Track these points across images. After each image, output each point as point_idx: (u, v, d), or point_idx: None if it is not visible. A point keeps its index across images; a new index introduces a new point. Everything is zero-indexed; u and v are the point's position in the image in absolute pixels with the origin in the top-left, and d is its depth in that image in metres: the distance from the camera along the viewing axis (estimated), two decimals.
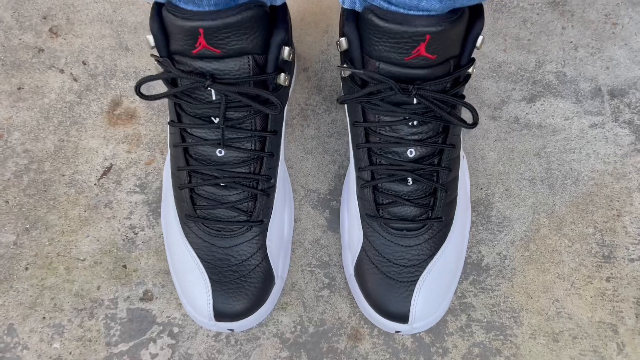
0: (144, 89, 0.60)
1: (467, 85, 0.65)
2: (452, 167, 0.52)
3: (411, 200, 0.50)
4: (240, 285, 0.50)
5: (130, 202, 0.60)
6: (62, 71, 0.66)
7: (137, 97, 0.64)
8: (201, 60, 0.46)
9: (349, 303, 0.56)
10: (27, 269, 0.57)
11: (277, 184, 0.53)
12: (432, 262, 0.51)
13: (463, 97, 0.50)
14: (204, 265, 0.50)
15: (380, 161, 0.50)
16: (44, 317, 0.55)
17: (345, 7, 0.46)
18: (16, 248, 0.58)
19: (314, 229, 0.59)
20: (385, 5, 0.43)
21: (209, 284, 0.50)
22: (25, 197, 0.60)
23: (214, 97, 0.48)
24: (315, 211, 0.59)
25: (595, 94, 0.65)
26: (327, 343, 0.54)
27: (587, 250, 0.58)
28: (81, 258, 0.58)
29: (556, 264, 0.57)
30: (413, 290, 0.50)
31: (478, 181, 0.61)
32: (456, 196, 0.53)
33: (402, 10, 0.43)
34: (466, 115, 0.61)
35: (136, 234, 0.58)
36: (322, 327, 0.55)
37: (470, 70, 0.49)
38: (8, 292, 0.56)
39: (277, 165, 0.53)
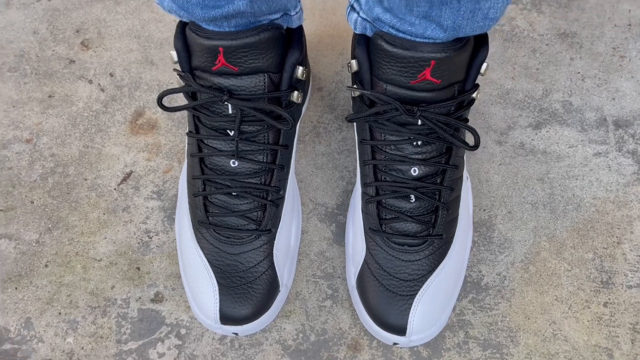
0: (165, 101, 0.63)
1: (474, 110, 0.67)
2: (454, 187, 0.54)
3: (413, 217, 0.53)
4: (247, 291, 0.53)
5: (147, 208, 0.63)
6: (90, 82, 0.70)
7: (158, 109, 0.68)
8: (220, 76, 0.49)
9: (351, 314, 0.58)
10: (46, 266, 0.60)
11: (286, 196, 0.56)
12: (432, 277, 0.53)
13: (466, 120, 0.53)
14: (213, 270, 0.53)
15: (384, 178, 0.53)
16: (60, 313, 0.58)
17: (357, 32, 0.49)
18: (38, 246, 0.61)
19: (320, 242, 0.61)
20: (394, 31, 0.46)
21: (217, 288, 0.53)
22: (49, 198, 0.63)
23: (230, 111, 0.51)
24: (322, 224, 0.62)
25: (600, 124, 0.66)
26: (327, 352, 0.56)
27: (586, 275, 0.59)
28: (98, 258, 0.61)
29: (555, 286, 0.59)
30: (411, 304, 0.52)
31: (481, 203, 0.63)
32: (458, 215, 0.55)
33: (409, 37, 0.46)
34: (470, 138, 0.63)
35: (151, 238, 0.61)
36: (323, 336, 0.57)
37: (474, 95, 0.51)
38: (28, 287, 0.59)
39: (287, 178, 0.56)
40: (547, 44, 0.71)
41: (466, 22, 0.44)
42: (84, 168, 0.65)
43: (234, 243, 0.53)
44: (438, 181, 0.53)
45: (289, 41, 0.51)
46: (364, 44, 0.48)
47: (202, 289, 0.53)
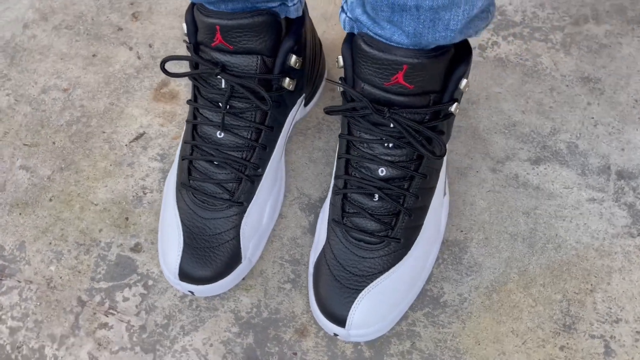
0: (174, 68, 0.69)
1: (475, 135, 0.68)
2: (421, 196, 0.55)
3: (374, 215, 0.54)
4: (208, 254, 0.56)
5: (149, 167, 0.68)
6: (130, 49, 0.77)
7: (182, 82, 0.73)
8: (218, 52, 0.54)
9: (306, 301, 0.60)
10: (50, 200, 0.67)
11: (266, 175, 0.59)
12: (382, 277, 0.54)
13: (442, 132, 0.54)
14: (183, 229, 0.57)
15: (354, 173, 0.55)
16: (50, 243, 0.64)
17: (346, 31, 0.52)
18: (48, 181, 0.68)
19: (295, 228, 0.64)
20: (371, 33, 0.48)
21: (182, 245, 0.56)
22: (69, 142, 0.70)
23: (223, 86, 0.55)
24: (302, 213, 0.65)
25: (602, 171, 0.65)
26: (275, 330, 0.59)
27: (550, 315, 0.58)
28: (95, 202, 0.66)
29: (514, 319, 0.58)
30: (355, 298, 0.53)
31: (460, 223, 0.63)
32: (422, 225, 0.56)
33: (384, 40, 0.48)
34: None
35: (145, 194, 0.66)
36: (275, 315, 0.59)
37: (452, 109, 0.53)
38: (30, 215, 0.66)
39: (269, 159, 0.59)
40: (567, 85, 0.71)
41: (427, 30, 0.46)
42: (105, 122, 0.71)
43: (207, 208, 0.57)
44: (405, 186, 0.54)
45: (288, 30, 0.55)
46: (349, 42, 0.51)
47: (170, 244, 0.57)
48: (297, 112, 0.65)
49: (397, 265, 0.54)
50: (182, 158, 0.58)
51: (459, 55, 0.51)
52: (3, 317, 0.61)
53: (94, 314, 0.60)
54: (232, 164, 0.57)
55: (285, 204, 0.65)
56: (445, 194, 0.60)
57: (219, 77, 0.54)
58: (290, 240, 0.63)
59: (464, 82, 0.52)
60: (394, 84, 0.49)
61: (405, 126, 0.51)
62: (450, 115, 0.53)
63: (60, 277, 0.62)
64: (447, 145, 0.64)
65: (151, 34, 0.78)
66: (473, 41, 0.74)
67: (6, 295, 0.62)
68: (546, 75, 0.72)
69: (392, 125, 0.52)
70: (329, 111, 0.53)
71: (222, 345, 0.58)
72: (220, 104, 0.56)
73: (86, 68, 0.76)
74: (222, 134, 0.57)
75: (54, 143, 0.70)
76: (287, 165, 0.66)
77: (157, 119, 0.71)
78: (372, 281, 0.54)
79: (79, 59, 0.76)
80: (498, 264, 0.61)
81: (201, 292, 0.57)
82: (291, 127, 0.65)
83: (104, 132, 0.71)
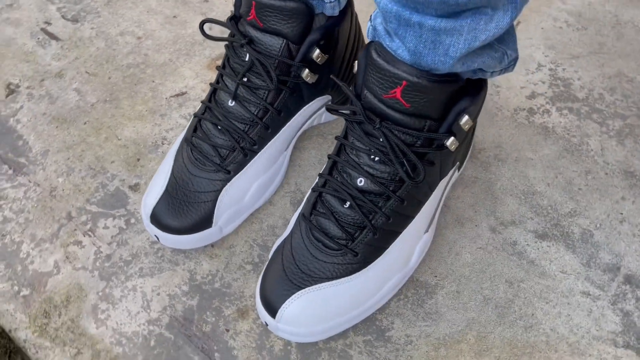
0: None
1: (488, 190, 0.65)
2: (393, 220, 0.54)
3: (339, 221, 0.54)
4: (182, 207, 0.59)
5: (177, 122, 0.72)
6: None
7: None
8: (250, 26, 0.57)
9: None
10: (85, 123, 0.73)
11: (260, 155, 0.61)
12: (327, 284, 0.53)
13: (431, 163, 0.53)
14: (169, 177, 0.60)
15: (335, 176, 0.55)
16: (68, 158, 0.70)
17: (368, 39, 0.53)
18: (90, 108, 0.74)
19: (278, 218, 0.64)
20: (384, 44, 0.49)
21: (163, 191, 0.59)
22: (121, 81, 0.76)
23: (246, 58, 0.58)
24: (290, 206, 0.65)
25: (609, 269, 0.60)
26: (219, 303, 0.59)
27: None
28: (119, 137, 0.71)
29: None
30: (293, 294, 0.53)
31: (437, 268, 0.60)
32: (387, 250, 0.55)
33: (392, 52, 0.48)
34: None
35: (162, 144, 0.70)
36: (226, 289, 0.60)
37: (447, 143, 0.52)
38: (63, 130, 0.72)
39: (269, 141, 0.61)
40: (607, 174, 0.66)
41: (427, 51, 0.45)
42: (158, 74, 0.77)
43: (197, 166, 0.60)
44: (378, 203, 0.53)
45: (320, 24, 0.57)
46: (366, 50, 0.52)
47: (154, 188, 0.60)
48: (317, 113, 0.66)
49: (347, 278, 0.53)
50: (194, 116, 0.62)
51: (467, 90, 0.50)
52: (3, 206, 0.67)
53: (75, 230, 0.65)
54: (232, 132, 0.59)
55: (279, 194, 0.66)
56: (427, 231, 0.58)
57: (244, 48, 0.57)
58: (269, 227, 0.64)
59: (464, 118, 0.50)
60: (391, 98, 0.49)
61: (392, 142, 0.50)
62: (444, 147, 0.52)
63: (63, 190, 0.67)
64: (456, 191, 0.63)
65: (230, 13, 0.83)
66: (522, 100, 0.72)
67: (14, 190, 0.68)
68: (588, 157, 0.68)
69: (381, 140, 0.51)
70: (329, 109, 0.54)
71: (167, 298, 0.60)
72: (239, 74, 0.59)
73: (163, 25, 0.82)
74: (233, 103, 0.59)
75: (109, 78, 0.77)
76: (294, 161, 0.68)
77: (202, 85, 0.76)
78: (316, 283, 0.53)
79: (161, 16, 0.83)
80: (459, 321, 0.57)
81: (165, 240, 0.60)
82: (306, 123, 0.66)
83: (153, 82, 0.76)
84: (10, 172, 0.70)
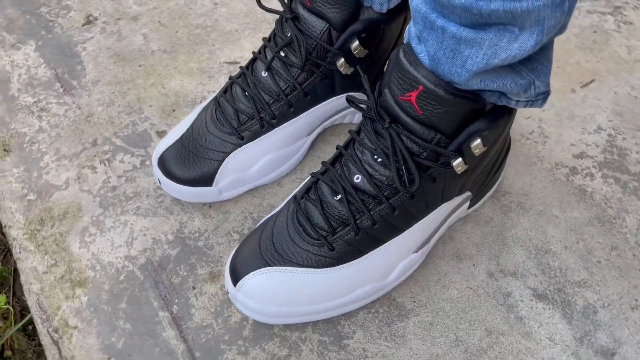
0: None
1: (500, 236, 0.61)
2: (380, 226, 0.52)
3: (325, 211, 0.52)
4: (188, 158, 0.60)
5: (220, 86, 0.74)
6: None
7: None
8: (300, 4, 0.57)
9: None
10: (140, 66, 0.76)
11: (276, 131, 0.61)
12: (296, 269, 0.52)
13: (433, 179, 0.50)
14: (188, 128, 0.61)
15: (337, 167, 0.54)
16: (113, 92, 0.73)
17: (404, 40, 0.51)
18: (149, 53, 0.78)
19: (280, 200, 0.64)
20: (412, 45, 0.48)
21: (177, 139, 0.61)
22: (186, 37, 0.80)
23: (289, 34, 0.58)
24: None
25: (603, 352, 0.54)
26: (196, 261, 0.60)
27: None
28: (164, 86, 0.74)
29: None
30: (259, 268, 0.52)
31: (418, 295, 0.57)
32: (366, 255, 0.53)
33: (418, 56, 0.47)
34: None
35: (201, 102, 0.72)
36: (207, 250, 0.60)
37: (453, 163, 0.49)
38: (119, 67, 0.76)
39: (289, 120, 0.61)
40: (634, 255, 0.60)
41: (446, 59, 0.44)
42: (222, 40, 0.79)
43: (215, 124, 0.61)
44: (369, 205, 0.51)
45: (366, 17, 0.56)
46: (398, 49, 0.51)
47: (171, 135, 0.62)
48: (350, 109, 0.65)
49: (317, 270, 0.52)
50: (229, 78, 0.63)
51: (487, 114, 0.47)
52: (43, 117, 0.71)
53: (94, 156, 0.67)
54: (256, 101, 0.60)
55: (289, 177, 0.65)
56: (417, 251, 0.56)
57: (288, 24, 0.58)
58: (269, 205, 0.64)
59: (476, 141, 0.48)
60: (406, 100, 0.48)
61: (397, 146, 0.49)
62: (449, 166, 0.49)
63: (98, 118, 0.71)
64: (465, 226, 0.60)
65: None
66: (568, 157, 0.68)
67: (58, 106, 0.72)
68: (619, 233, 0.62)
69: (388, 141, 0.50)
70: (348, 99, 0.53)
71: (151, 241, 0.61)
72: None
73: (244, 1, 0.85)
74: (266, 74, 0.60)
75: (176, 32, 0.80)
76: (315, 151, 0.67)
77: None
78: (285, 265, 0.52)
79: None
80: (422, 353, 0.54)
81: (165, 186, 0.61)
82: (336, 117, 0.65)
83: (213, 45, 0.79)
84: (61, 90, 0.74)
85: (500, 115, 0.48)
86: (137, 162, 0.67)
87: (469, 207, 0.61)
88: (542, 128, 0.70)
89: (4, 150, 0.68)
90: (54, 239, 0.61)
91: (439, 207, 0.54)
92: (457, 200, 0.56)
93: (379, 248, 0.53)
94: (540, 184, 0.66)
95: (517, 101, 0.47)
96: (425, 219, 0.54)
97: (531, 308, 0.57)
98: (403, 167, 0.49)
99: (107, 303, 0.57)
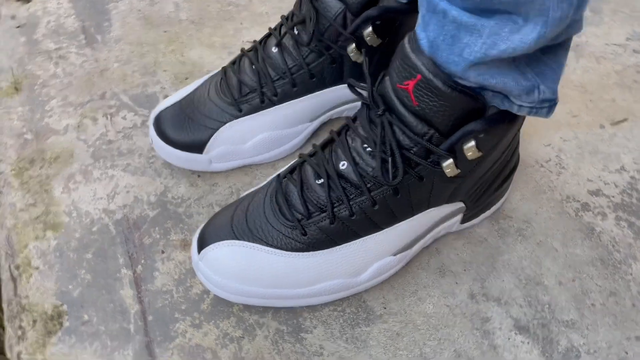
0: None
1: (490, 259, 0.57)
2: (358, 219, 0.49)
3: (304, 194, 0.50)
4: (183, 122, 0.59)
5: None
6: None
7: None
8: None
9: None
10: (164, 32, 0.76)
11: (276, 109, 0.59)
12: (262, 247, 0.50)
13: (420, 178, 0.47)
14: (189, 93, 0.61)
15: (326, 151, 0.51)
16: (133, 52, 0.73)
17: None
18: (177, 21, 0.78)
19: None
20: (417, 32, 0.45)
21: (176, 101, 0.60)
22: (215, 12, 0.79)
23: (304, 11, 0.57)
24: None
25: None
26: (172, 225, 0.58)
27: None
28: (183, 54, 0.74)
29: None
30: (224, 240, 0.50)
31: (391, 302, 0.54)
32: (337, 248, 0.50)
33: (419, 42, 0.44)
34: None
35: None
36: (186, 217, 0.59)
37: (443, 164, 0.46)
38: (146, 30, 0.76)
39: (291, 100, 0.59)
40: (634, 305, 0.55)
41: (445, 45, 0.41)
42: (251, 20, 0.79)
43: (217, 93, 0.59)
44: (350, 194, 0.49)
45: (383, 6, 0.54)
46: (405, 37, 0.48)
47: (173, 97, 0.61)
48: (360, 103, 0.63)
49: (284, 252, 0.49)
50: (241, 50, 0.62)
51: (486, 115, 0.44)
52: (59, 63, 0.71)
53: (99, 108, 0.67)
54: (261, 75, 0.58)
55: (286, 161, 0.63)
56: (395, 255, 0.52)
57: (305, 2, 0.56)
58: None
59: (470, 143, 0.45)
60: (403, 89, 0.45)
61: (387, 135, 0.46)
62: (439, 166, 0.46)
63: (112, 73, 0.71)
64: (456, 242, 0.57)
65: None
66: (582, 192, 0.63)
67: (76, 56, 0.73)
68: (621, 279, 0.57)
69: (380, 132, 0.47)
70: (349, 83, 0.51)
71: (132, 198, 0.60)
72: (295, 27, 0.58)
73: None
74: (276, 50, 0.58)
75: (207, 6, 0.80)
76: (318, 140, 0.65)
77: None
78: (253, 242, 0.50)
79: None
80: (381, 357, 0.51)
81: (157, 146, 0.60)
82: (345, 106, 0.63)
83: (241, 24, 0.78)
84: (84, 42, 0.75)
85: (499, 119, 0.45)
86: (138, 121, 0.66)
87: (463, 222, 0.57)
88: (560, 158, 0.66)
89: (15, 88, 0.69)
90: (39, 180, 0.61)
91: (425, 212, 0.51)
92: (446, 208, 0.53)
93: (354, 242, 0.50)
94: (546, 214, 0.61)
95: (520, 106, 0.44)
96: (408, 220, 0.51)
97: (509, 339, 0.53)
98: (389, 159, 0.46)
99: (74, 250, 0.56)
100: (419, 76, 0.44)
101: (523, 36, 0.38)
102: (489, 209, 0.58)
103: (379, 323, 0.53)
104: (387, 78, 0.48)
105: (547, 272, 0.57)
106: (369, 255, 0.51)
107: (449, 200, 0.51)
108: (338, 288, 0.52)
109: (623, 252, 0.59)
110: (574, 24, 0.40)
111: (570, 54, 0.76)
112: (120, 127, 0.66)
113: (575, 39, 0.79)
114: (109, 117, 0.66)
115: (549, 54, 0.42)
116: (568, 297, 0.56)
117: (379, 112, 0.46)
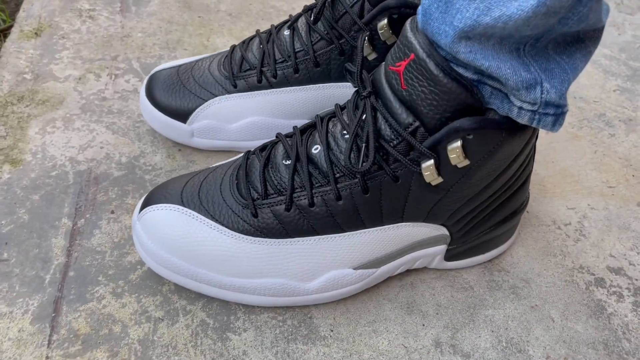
0: None
1: (472, 309, 0.49)
2: (318, 212, 0.42)
3: (266, 171, 0.44)
4: (175, 86, 0.55)
5: None
6: None
7: None
8: None
9: None
10: (199, 17, 0.75)
11: (271, 94, 0.54)
12: (205, 220, 0.44)
13: (395, 179, 0.41)
14: (189, 63, 0.58)
15: (305, 134, 0.46)
16: (160, 27, 0.72)
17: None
18: (214, 11, 0.76)
19: None
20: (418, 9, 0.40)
21: (175, 66, 0.57)
22: (255, 11, 0.78)
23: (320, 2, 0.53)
24: None
25: None
26: (132, 189, 0.53)
27: None
28: (209, 39, 0.72)
29: None
30: (168, 204, 0.44)
31: (342, 326, 0.46)
32: (289, 241, 0.43)
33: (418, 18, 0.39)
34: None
35: None
36: (150, 185, 0.54)
37: (422, 164, 0.40)
38: (181, 11, 0.75)
39: (290, 86, 0.54)
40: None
41: (438, 13, 0.36)
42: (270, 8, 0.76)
43: (218, 67, 0.56)
44: (315, 183, 0.43)
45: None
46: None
47: (175, 63, 0.58)
48: None
49: (228, 230, 0.43)
50: (256, 31, 0.58)
51: (479, 115, 0.38)
52: (87, 22, 0.71)
53: (107, 68, 0.65)
54: (265, 56, 0.54)
55: None
56: (355, 269, 0.45)
57: None
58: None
59: (456, 143, 0.38)
60: (395, 71, 0.40)
61: (368, 120, 0.40)
62: (418, 166, 0.40)
63: (133, 41, 0.69)
64: (436, 283, 0.49)
65: None
66: (600, 267, 0.54)
67: (105, 20, 0.72)
68: (620, 340, 0.47)
69: (363, 117, 0.41)
70: (346, 68, 0.46)
71: (104, 155, 0.56)
72: (310, 11, 0.54)
73: None
74: (287, 32, 0.55)
75: (250, 4, 0.79)
76: None
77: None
78: (197, 212, 0.44)
79: None
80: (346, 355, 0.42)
81: (143, 106, 0.56)
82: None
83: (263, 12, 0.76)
84: (118, 10, 0.74)
85: (494, 123, 0.38)
86: (135, 87, 0.64)
87: (448, 259, 0.49)
88: (583, 225, 0.57)
89: (35, 34, 0.69)
90: (19, 117, 0.58)
91: (398, 225, 0.44)
92: (424, 229, 0.45)
93: (309, 239, 0.43)
94: (550, 279, 0.52)
95: (520, 108, 0.37)
96: (376, 229, 0.44)
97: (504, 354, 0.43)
98: (363, 145, 0.40)
99: (23, 189, 0.52)
100: (412, 55, 0.38)
101: (521, 2, 0.32)
102: (483, 253, 0.50)
103: (320, 345, 0.45)
104: (383, 63, 0.42)
105: (535, 341, 0.48)
106: (324, 260, 0.44)
107: (428, 218, 0.44)
108: (281, 290, 0.45)
109: (634, 343, 0.49)
110: (587, 5, 0.33)
111: (621, 127, 0.69)
112: (120, 88, 0.63)
113: (630, 113, 0.71)
114: (113, 77, 0.64)
115: (563, 54, 0.36)
116: None
117: (363, 94, 0.41)
